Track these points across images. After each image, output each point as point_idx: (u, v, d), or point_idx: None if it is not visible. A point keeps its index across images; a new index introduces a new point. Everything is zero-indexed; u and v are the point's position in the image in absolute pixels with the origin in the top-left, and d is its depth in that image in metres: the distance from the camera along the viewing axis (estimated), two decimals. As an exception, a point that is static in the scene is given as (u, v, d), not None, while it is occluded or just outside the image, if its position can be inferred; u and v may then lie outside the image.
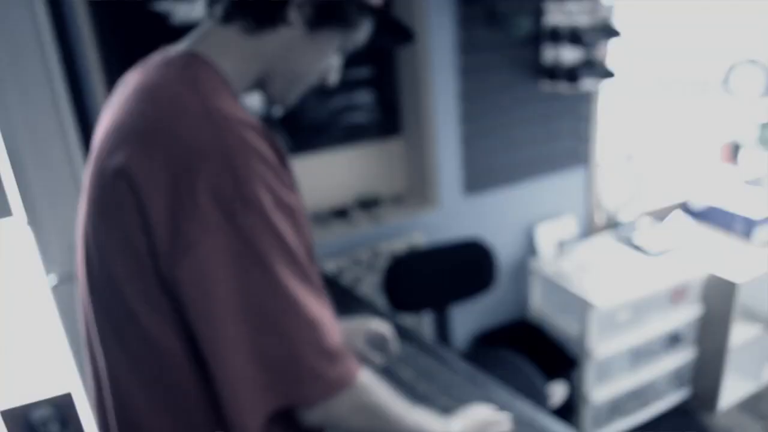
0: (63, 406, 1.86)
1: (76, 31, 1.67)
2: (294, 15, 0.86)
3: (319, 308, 0.78)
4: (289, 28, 0.86)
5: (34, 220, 1.73)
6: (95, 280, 0.82)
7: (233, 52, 0.86)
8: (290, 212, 0.77)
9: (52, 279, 1.77)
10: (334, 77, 0.99)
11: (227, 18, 0.86)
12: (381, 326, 1.29)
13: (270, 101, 0.96)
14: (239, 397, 0.74)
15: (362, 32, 0.94)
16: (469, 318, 2.52)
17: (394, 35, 1.06)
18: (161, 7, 1.81)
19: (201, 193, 0.70)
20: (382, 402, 0.87)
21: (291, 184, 0.81)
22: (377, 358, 1.28)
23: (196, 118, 0.74)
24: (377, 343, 1.30)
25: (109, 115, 0.85)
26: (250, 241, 0.71)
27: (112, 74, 1.76)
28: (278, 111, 1.00)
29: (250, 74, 0.89)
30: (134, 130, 0.76)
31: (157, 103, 0.78)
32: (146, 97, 0.79)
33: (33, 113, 1.66)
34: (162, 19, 1.82)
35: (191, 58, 0.83)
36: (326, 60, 0.93)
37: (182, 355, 0.78)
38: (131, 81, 0.86)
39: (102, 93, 1.72)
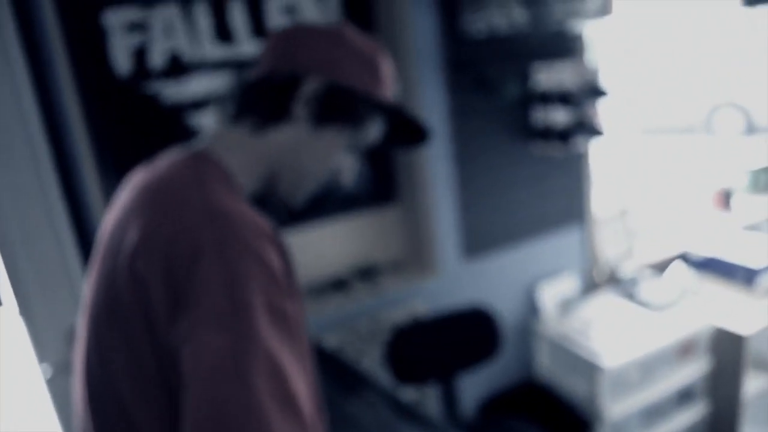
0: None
1: (65, 116, 1.66)
2: (300, 111, 0.85)
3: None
4: (295, 124, 0.86)
5: (26, 310, 1.69)
6: (93, 380, 0.79)
7: (241, 151, 0.86)
8: (285, 321, 0.72)
9: (46, 369, 1.72)
10: (348, 177, 0.96)
11: (236, 117, 0.86)
12: None
13: (279, 201, 0.94)
14: None
15: (373, 130, 0.93)
16: (475, 385, 2.46)
17: (409, 134, 1.02)
18: (151, 89, 1.82)
19: (191, 289, 0.68)
20: None
21: (293, 293, 0.76)
22: None
23: (196, 214, 0.72)
24: None
25: (114, 215, 0.84)
26: (234, 347, 0.66)
27: (103, 158, 1.75)
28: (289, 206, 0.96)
29: (258, 173, 0.88)
30: (138, 229, 0.75)
31: (161, 200, 0.77)
32: (152, 194, 0.78)
33: (22, 201, 1.64)
34: (152, 100, 1.83)
35: (198, 157, 0.83)
36: (335, 158, 0.91)
37: None
38: (138, 180, 0.85)
39: (93, 178, 1.70)
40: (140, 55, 1.79)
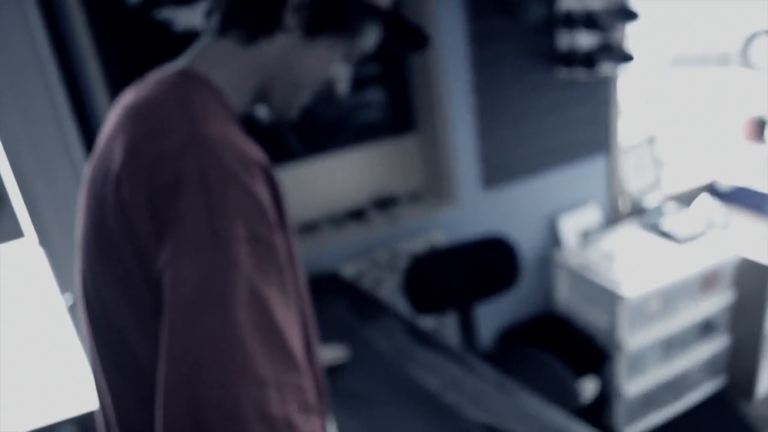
0: (87, 424, 1.84)
1: (76, 44, 1.63)
2: (291, 20, 0.80)
3: (276, 366, 0.65)
4: (286, 35, 0.81)
5: (45, 241, 1.70)
6: (93, 308, 0.79)
7: (230, 65, 0.82)
8: (268, 252, 0.68)
9: (68, 298, 1.75)
10: (342, 87, 0.91)
11: (223, 29, 0.81)
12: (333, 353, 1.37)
13: (272, 114, 0.90)
14: None
15: (369, 37, 0.88)
16: (493, 315, 2.46)
17: (407, 40, 0.96)
18: (162, 15, 1.77)
19: (172, 218, 0.65)
20: None
21: (282, 225, 0.73)
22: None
23: (179, 139, 0.69)
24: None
25: (102, 137, 0.81)
26: (215, 277, 0.64)
27: (115, 86, 1.72)
28: (283, 120, 0.92)
29: (249, 87, 0.84)
30: (122, 154, 0.72)
31: (144, 125, 0.73)
32: (136, 117, 0.75)
33: (37, 131, 1.63)
34: (164, 27, 1.78)
35: (186, 77, 0.79)
36: (329, 68, 0.86)
37: None
38: (125, 100, 0.81)
39: (105, 106, 1.68)
40: (150, -21, 1.73)
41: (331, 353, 1.44)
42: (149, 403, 0.74)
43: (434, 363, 1.45)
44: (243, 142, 0.72)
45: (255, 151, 0.72)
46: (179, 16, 1.79)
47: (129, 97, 0.82)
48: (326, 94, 0.90)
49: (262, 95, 0.87)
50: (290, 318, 0.69)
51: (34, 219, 1.68)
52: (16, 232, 1.65)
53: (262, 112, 0.93)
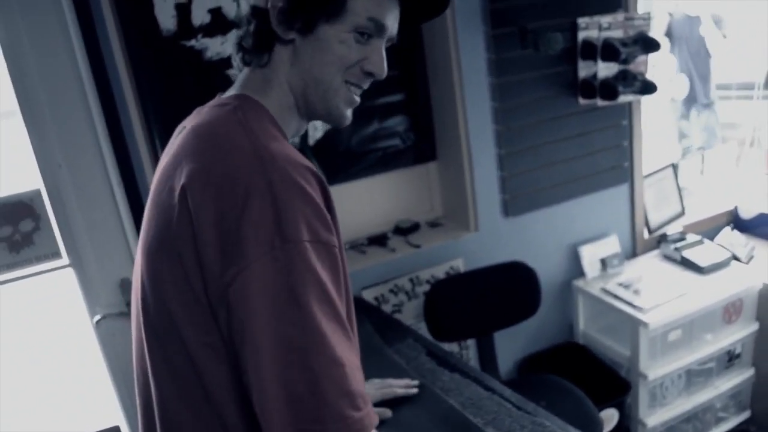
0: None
1: (114, 69, 1.70)
2: (279, 29, 0.87)
3: (347, 351, 0.77)
4: (285, 44, 0.88)
5: (78, 262, 1.76)
6: (150, 314, 0.85)
7: (268, 90, 0.90)
8: (328, 252, 0.78)
9: (97, 318, 1.79)
10: (375, 63, 0.90)
11: (245, 61, 0.92)
12: (381, 390, 1.39)
13: (328, 123, 1.03)
14: (268, 429, 0.75)
15: (364, 6, 0.86)
16: (513, 343, 2.46)
17: (420, 7, 0.97)
18: (194, 44, 1.84)
19: (245, 227, 0.73)
20: None
21: (332, 227, 0.81)
22: (387, 413, 1.34)
23: (244, 156, 0.78)
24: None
25: (165, 160, 0.90)
26: (286, 276, 0.73)
27: (150, 110, 1.80)
28: (340, 127, 0.99)
29: (291, 106, 0.92)
30: (189, 168, 0.80)
31: (209, 142, 0.82)
32: (200, 137, 0.84)
33: (74, 154, 1.70)
34: (195, 54, 1.86)
35: (241, 100, 0.88)
36: (342, 51, 0.87)
37: (228, 386, 0.81)
38: (188, 124, 0.91)
39: (140, 129, 1.75)
40: (185, 11, 1.81)
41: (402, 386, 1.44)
42: (192, 403, 0.83)
43: (455, 384, 1.46)
44: (297, 155, 0.81)
45: (308, 162, 0.81)
46: (210, 45, 1.87)
47: (192, 119, 0.91)
48: (364, 76, 0.91)
49: (307, 111, 0.93)
50: (344, 307, 0.80)
51: (68, 241, 1.74)
52: (54, 253, 1.70)
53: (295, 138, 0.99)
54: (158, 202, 0.84)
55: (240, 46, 0.91)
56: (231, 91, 0.93)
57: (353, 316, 0.90)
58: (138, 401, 0.95)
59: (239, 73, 0.95)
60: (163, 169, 0.87)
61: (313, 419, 0.73)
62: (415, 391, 1.42)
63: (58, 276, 1.75)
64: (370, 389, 1.37)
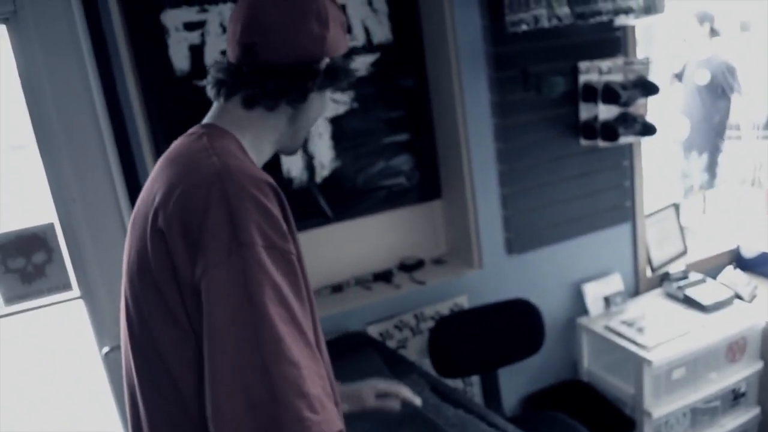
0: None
1: (129, 106, 1.76)
2: (279, 104, 0.98)
3: (304, 354, 0.80)
4: (287, 106, 0.99)
5: (89, 294, 1.79)
6: (135, 334, 0.91)
7: (246, 124, 0.99)
8: (285, 259, 0.84)
9: (106, 350, 1.82)
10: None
11: (227, 97, 0.99)
12: (390, 385, 1.36)
13: (283, 153, 1.09)
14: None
15: (345, 75, 1.03)
16: (517, 380, 2.46)
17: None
18: (205, 83, 1.90)
19: (205, 236, 0.80)
20: None
21: (289, 236, 0.87)
22: (395, 405, 1.33)
23: (205, 173, 0.86)
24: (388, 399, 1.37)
25: (145, 188, 0.98)
26: (242, 278, 0.78)
27: (162, 146, 1.84)
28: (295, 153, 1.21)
29: (266, 139, 1.01)
30: (160, 191, 0.87)
31: (176, 166, 0.91)
32: (170, 162, 0.93)
33: (88, 186, 1.75)
34: (206, 93, 1.91)
35: (209, 128, 0.98)
36: (326, 106, 1.07)
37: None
38: (166, 152, 0.99)
39: (151, 163, 1.80)
40: (198, 52, 1.88)
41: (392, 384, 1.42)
42: (176, 416, 0.88)
43: (458, 419, 1.48)
44: (255, 170, 0.89)
45: (266, 177, 0.88)
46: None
47: (169, 149, 1.00)
48: None
49: (279, 149, 1.06)
50: (305, 315, 0.84)
51: (79, 274, 1.78)
52: (65, 285, 1.74)
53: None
54: (137, 227, 0.91)
55: (220, 81, 0.99)
56: (205, 120, 1.02)
57: (318, 326, 0.94)
58: (128, 414, 0.99)
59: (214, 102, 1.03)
60: (141, 200, 0.95)
61: (271, 421, 0.75)
62: (419, 402, 1.38)
63: (68, 308, 1.78)
64: (375, 383, 1.34)
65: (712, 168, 3.75)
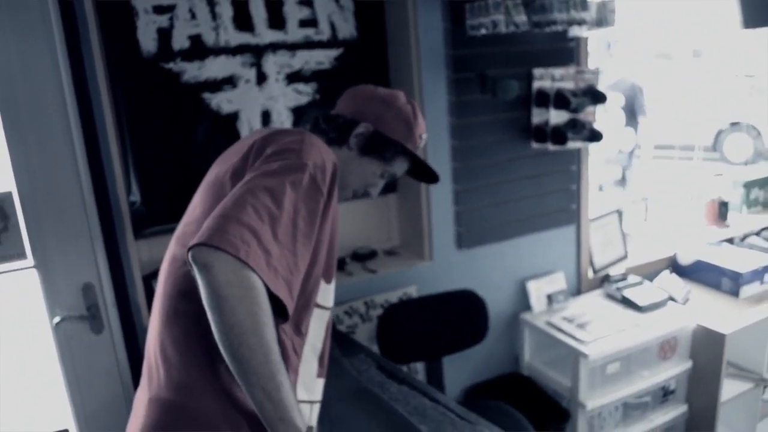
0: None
1: (95, 82, 1.76)
2: (352, 141, 1.33)
3: (268, 235, 0.95)
4: (348, 149, 1.34)
5: (43, 264, 1.81)
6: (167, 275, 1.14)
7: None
8: (315, 193, 1.05)
9: (57, 320, 1.83)
10: (375, 192, 1.44)
11: (313, 129, 1.34)
12: None
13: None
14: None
15: (399, 167, 1.40)
16: (461, 370, 2.56)
17: (423, 175, 1.50)
18: (172, 66, 1.95)
19: (263, 157, 1.08)
20: (262, 310, 0.91)
21: (330, 191, 1.10)
22: None
23: (293, 140, 1.11)
24: None
25: (224, 155, 1.26)
26: (276, 185, 1.00)
27: (125, 124, 1.90)
28: None
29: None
30: (248, 145, 1.14)
31: (271, 135, 1.15)
32: (266, 132, 1.17)
33: (50, 159, 1.77)
34: (172, 76, 1.96)
35: (308, 132, 1.21)
36: (369, 179, 1.38)
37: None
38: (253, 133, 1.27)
39: (114, 141, 1.80)
40: (166, 36, 1.93)
41: None
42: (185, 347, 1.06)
43: (402, 394, 1.55)
44: (331, 153, 1.14)
45: (334, 156, 1.15)
46: (188, 69, 1.98)
47: (258, 130, 1.31)
48: (362, 194, 1.42)
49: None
50: (300, 239, 1.01)
51: (34, 243, 1.79)
52: (19, 254, 1.76)
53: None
54: (213, 183, 1.14)
55: (316, 125, 1.36)
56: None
57: (334, 262, 1.25)
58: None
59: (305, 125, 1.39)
60: (221, 160, 1.23)
61: (215, 227, 0.92)
62: None
63: (21, 276, 1.80)
64: None
65: (623, 182, 4.03)
